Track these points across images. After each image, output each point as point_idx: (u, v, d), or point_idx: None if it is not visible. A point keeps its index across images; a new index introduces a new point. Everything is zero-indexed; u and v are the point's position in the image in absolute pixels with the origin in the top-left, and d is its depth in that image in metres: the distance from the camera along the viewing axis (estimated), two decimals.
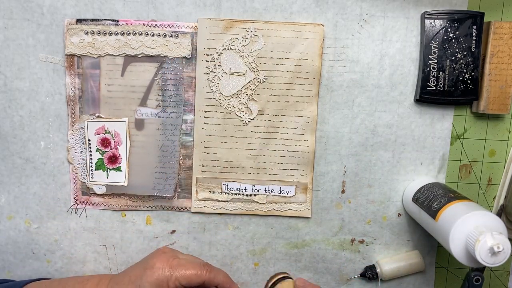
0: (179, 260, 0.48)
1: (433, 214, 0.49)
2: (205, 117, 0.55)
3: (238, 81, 0.55)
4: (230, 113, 0.55)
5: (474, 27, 0.53)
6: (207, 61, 0.54)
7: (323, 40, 0.54)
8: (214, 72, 0.54)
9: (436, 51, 0.54)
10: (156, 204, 0.57)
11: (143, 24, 0.53)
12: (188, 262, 0.48)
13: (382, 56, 0.55)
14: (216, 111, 0.55)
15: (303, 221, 0.58)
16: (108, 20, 0.53)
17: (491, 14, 0.55)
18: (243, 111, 0.55)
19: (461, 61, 0.54)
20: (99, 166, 0.56)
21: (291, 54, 0.54)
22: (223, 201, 0.57)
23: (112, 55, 0.54)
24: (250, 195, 0.57)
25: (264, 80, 0.55)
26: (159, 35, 0.53)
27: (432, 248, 0.59)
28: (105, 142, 0.55)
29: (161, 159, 0.56)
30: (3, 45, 0.53)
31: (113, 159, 0.56)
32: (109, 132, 0.55)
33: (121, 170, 0.56)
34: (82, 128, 0.55)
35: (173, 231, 0.58)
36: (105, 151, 0.56)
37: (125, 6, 0.53)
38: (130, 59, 0.54)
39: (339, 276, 0.59)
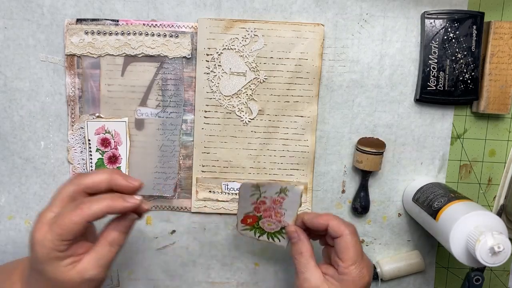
0: (54, 217, 0.38)
1: (433, 214, 0.49)
2: (205, 117, 0.55)
3: (238, 81, 0.55)
4: (230, 113, 0.55)
5: (474, 27, 0.53)
6: (207, 61, 0.54)
7: (323, 40, 0.54)
8: (214, 72, 0.54)
9: (436, 51, 0.54)
10: (156, 204, 0.57)
11: (143, 24, 0.53)
12: (63, 212, 0.38)
13: (382, 56, 0.55)
14: (216, 111, 0.55)
15: None
16: (108, 20, 0.53)
17: (491, 14, 0.55)
18: (243, 111, 0.55)
19: (461, 61, 0.54)
20: (99, 166, 0.56)
21: (291, 54, 0.54)
22: (223, 201, 0.57)
23: (112, 55, 0.54)
24: None
25: (264, 80, 0.55)
26: (159, 35, 0.53)
27: (432, 248, 0.59)
28: (105, 142, 0.55)
29: (161, 159, 0.56)
30: (3, 45, 0.53)
31: (113, 159, 0.56)
32: (109, 132, 0.55)
33: (121, 170, 0.56)
34: (82, 128, 0.55)
35: (173, 231, 0.58)
36: (105, 151, 0.55)
37: (125, 6, 0.53)
38: (130, 59, 0.54)
39: None
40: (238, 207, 0.50)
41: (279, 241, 0.49)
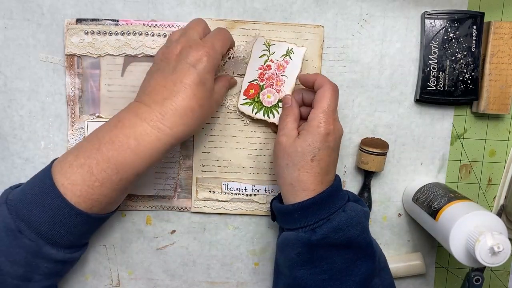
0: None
1: (433, 214, 0.49)
2: None
3: (239, 81, 0.54)
4: (230, 113, 0.55)
5: (474, 27, 0.53)
6: None
7: (323, 41, 0.54)
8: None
9: (436, 51, 0.54)
10: (156, 204, 0.57)
11: (143, 24, 0.53)
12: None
13: (382, 56, 0.55)
14: (217, 111, 0.55)
15: None
16: (108, 20, 0.53)
17: (491, 14, 0.55)
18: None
19: (461, 61, 0.54)
20: None
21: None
22: (223, 201, 0.57)
23: (112, 55, 0.54)
24: (250, 195, 0.57)
25: None
26: (159, 35, 0.53)
27: (432, 248, 0.59)
28: None
29: None
30: (3, 45, 0.53)
31: None
32: None
33: None
34: (82, 128, 0.55)
35: (173, 231, 0.58)
36: None
37: (125, 6, 0.53)
38: (130, 59, 0.54)
39: None
40: (245, 73, 0.53)
41: (273, 117, 0.52)
